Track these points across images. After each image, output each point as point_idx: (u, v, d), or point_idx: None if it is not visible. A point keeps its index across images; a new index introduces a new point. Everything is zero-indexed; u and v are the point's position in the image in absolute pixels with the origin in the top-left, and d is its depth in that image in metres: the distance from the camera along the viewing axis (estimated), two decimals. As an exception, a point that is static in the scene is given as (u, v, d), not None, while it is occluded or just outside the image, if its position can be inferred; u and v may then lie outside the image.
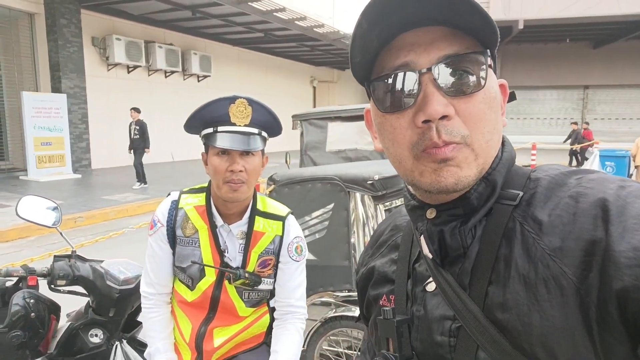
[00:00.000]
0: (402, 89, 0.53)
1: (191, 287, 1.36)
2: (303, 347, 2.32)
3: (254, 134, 1.27)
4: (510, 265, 0.52)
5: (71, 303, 1.70)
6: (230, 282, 1.33)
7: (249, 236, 1.34)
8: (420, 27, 0.52)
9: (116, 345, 1.60)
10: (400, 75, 0.53)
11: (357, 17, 0.52)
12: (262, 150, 1.32)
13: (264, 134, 1.31)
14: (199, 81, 14.14)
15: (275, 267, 1.38)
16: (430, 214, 0.58)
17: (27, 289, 1.48)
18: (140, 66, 12.09)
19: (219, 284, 1.34)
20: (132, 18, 11.67)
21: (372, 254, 0.73)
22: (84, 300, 1.68)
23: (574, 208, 0.50)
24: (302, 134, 3.30)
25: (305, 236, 2.47)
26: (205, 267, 1.32)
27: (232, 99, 1.24)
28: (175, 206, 1.36)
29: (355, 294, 2.30)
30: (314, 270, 2.65)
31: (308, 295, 2.47)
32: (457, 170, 0.52)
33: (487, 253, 0.54)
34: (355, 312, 2.22)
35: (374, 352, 0.69)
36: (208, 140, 1.27)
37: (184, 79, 13.78)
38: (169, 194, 1.41)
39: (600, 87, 17.96)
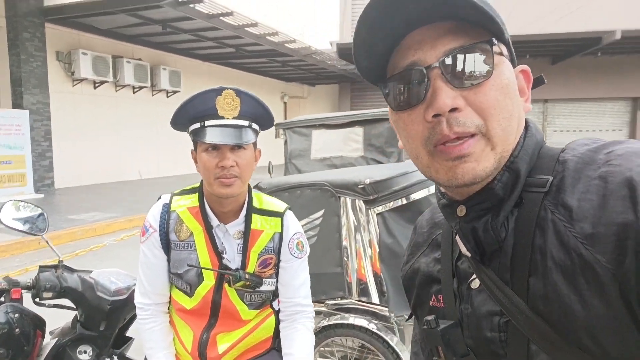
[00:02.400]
0: (412, 86, 0.54)
1: (189, 294, 1.29)
2: None
3: (244, 126, 1.21)
4: (546, 256, 0.51)
5: (54, 320, 1.59)
6: (230, 285, 1.27)
7: (247, 235, 1.28)
8: (426, 25, 0.54)
9: (106, 362, 1.49)
10: (409, 73, 0.54)
11: (355, 26, 0.55)
12: (254, 143, 1.27)
13: (255, 126, 1.26)
14: (168, 96, 13.89)
15: (277, 266, 1.32)
16: (460, 211, 0.58)
17: (10, 302, 1.37)
18: (107, 81, 11.77)
19: (218, 287, 1.27)
20: (100, 32, 11.40)
21: (413, 252, 0.74)
22: (69, 316, 1.57)
23: (604, 189, 0.49)
24: (285, 142, 3.27)
25: (295, 244, 2.43)
26: (203, 270, 1.26)
27: (219, 91, 1.19)
28: (167, 209, 1.30)
29: (347, 302, 2.27)
30: (304, 279, 2.61)
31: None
32: (474, 165, 0.52)
33: (522, 245, 0.54)
34: (349, 319, 2.18)
35: (428, 351, 0.68)
36: (196, 136, 1.21)
37: (153, 95, 13.52)
38: (160, 197, 1.35)
39: (559, 101, 18.78)
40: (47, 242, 1.55)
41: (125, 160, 12.62)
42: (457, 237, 0.61)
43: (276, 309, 1.39)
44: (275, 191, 2.45)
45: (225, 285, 1.27)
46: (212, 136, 1.18)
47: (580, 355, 0.49)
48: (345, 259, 2.31)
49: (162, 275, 1.30)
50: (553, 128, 19.48)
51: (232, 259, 1.28)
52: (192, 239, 1.27)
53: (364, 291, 2.26)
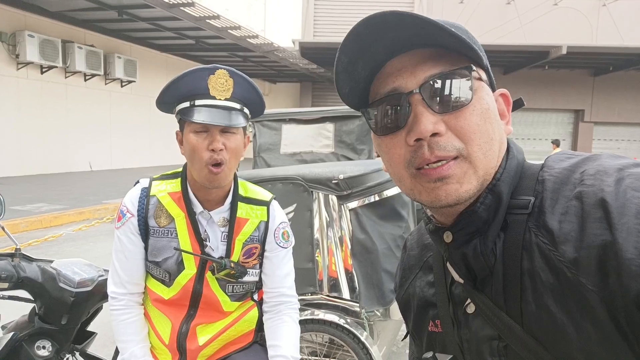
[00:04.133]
0: (394, 112, 0.56)
1: (168, 283, 1.23)
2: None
3: (235, 109, 1.16)
4: (536, 280, 0.52)
5: (5, 313, 1.46)
6: (214, 274, 1.21)
7: (232, 223, 1.24)
8: (406, 52, 0.56)
9: (67, 359, 1.39)
10: (391, 99, 0.56)
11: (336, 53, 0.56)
12: (244, 129, 1.22)
13: (246, 110, 1.21)
14: (122, 86, 13.30)
15: (261, 256, 1.29)
16: (447, 237, 0.59)
17: (-39, 294, 1.24)
18: (56, 67, 11.10)
19: (200, 277, 1.22)
20: (49, 15, 10.72)
21: (405, 275, 0.75)
22: (24, 309, 1.45)
23: (581, 211, 0.50)
24: (254, 135, 3.21)
25: (265, 239, 2.38)
26: (184, 259, 1.20)
27: (212, 70, 1.14)
28: (146, 194, 1.23)
29: (318, 297, 2.25)
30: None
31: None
32: (457, 187, 0.54)
33: (511, 270, 0.54)
34: (319, 315, 2.16)
35: None
36: (184, 116, 1.15)
37: (106, 84, 12.89)
38: (138, 182, 1.28)
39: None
40: (2, 229, 1.42)
41: (74, 150, 11.95)
42: (448, 264, 0.62)
43: (257, 300, 1.35)
44: (246, 184, 2.40)
45: (207, 274, 1.22)
46: (203, 116, 1.12)
47: None
48: (317, 255, 2.29)
49: (139, 263, 1.23)
50: (503, 136, 20.47)
51: (216, 247, 1.23)
52: (174, 225, 1.21)
53: (334, 287, 2.25)
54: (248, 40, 12.64)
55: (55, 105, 11.44)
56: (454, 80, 0.54)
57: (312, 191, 2.30)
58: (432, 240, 0.63)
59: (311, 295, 2.30)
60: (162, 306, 1.25)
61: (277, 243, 1.28)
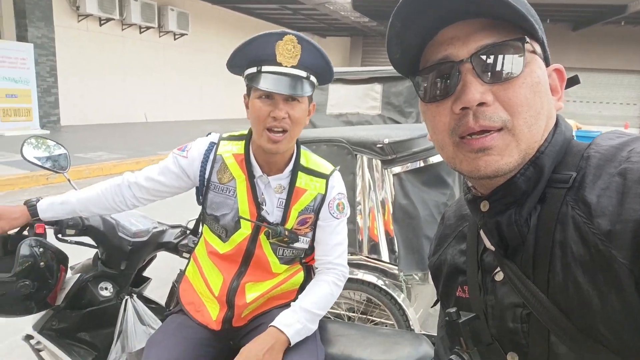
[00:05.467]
0: (443, 79, 0.56)
1: (224, 239, 1.29)
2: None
3: (301, 77, 1.15)
4: (566, 251, 0.53)
5: (73, 256, 1.61)
6: (268, 238, 1.27)
7: (291, 192, 1.26)
8: (460, 21, 0.55)
9: (126, 300, 1.53)
10: (441, 67, 0.56)
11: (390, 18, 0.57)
12: (310, 97, 1.22)
13: (313, 78, 1.19)
14: (175, 39, 13.53)
15: (314, 225, 1.31)
16: (484, 207, 0.60)
17: (35, 236, 1.38)
18: (113, 19, 11.43)
19: (254, 238, 1.27)
20: (106, -34, 10.93)
21: (440, 243, 0.76)
22: (89, 253, 1.60)
23: (622, 186, 0.50)
24: (301, 95, 3.21)
25: (308, 198, 2.44)
26: (241, 219, 1.26)
27: (280, 35, 1.13)
28: (213, 149, 1.29)
29: (357, 258, 2.30)
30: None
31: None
32: (497, 158, 0.54)
33: (543, 241, 0.55)
34: (358, 274, 2.23)
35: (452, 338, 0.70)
36: (250, 81, 1.17)
37: (160, 36, 13.16)
38: (209, 134, 1.34)
39: (576, 70, 18.36)
40: (68, 180, 1.55)
41: (131, 101, 12.46)
42: (482, 232, 0.64)
43: (305, 264, 1.39)
44: (291, 144, 2.43)
45: (261, 236, 1.26)
46: (268, 83, 1.13)
47: (596, 347, 0.51)
48: (358, 217, 2.32)
49: (161, 186, 1.31)
50: (566, 97, 19.12)
51: (271, 212, 1.27)
52: (234, 185, 1.26)
53: (374, 249, 2.28)
54: (299, -8, 12.35)
55: (112, 57, 11.87)
56: (505, 51, 0.53)
57: (356, 154, 2.30)
58: (469, 209, 0.65)
59: (351, 255, 2.36)
60: (216, 259, 1.31)
61: (330, 213, 1.28)
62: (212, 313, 1.30)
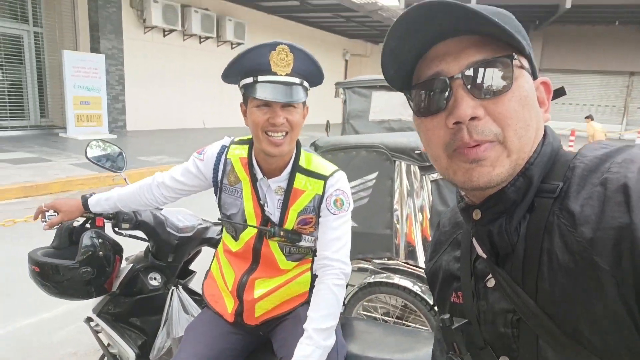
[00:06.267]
0: (436, 94, 0.58)
1: (235, 238, 1.40)
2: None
3: (295, 84, 1.21)
4: (553, 259, 0.55)
5: (128, 248, 1.78)
6: (267, 238, 1.34)
7: (288, 193, 1.32)
8: (451, 38, 0.58)
9: (172, 290, 1.67)
10: (433, 82, 0.58)
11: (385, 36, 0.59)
12: (304, 102, 1.28)
13: (306, 83, 1.26)
14: (232, 48, 14.10)
15: (317, 224, 1.35)
16: (476, 215, 0.62)
17: (95, 229, 1.56)
18: (175, 30, 12.11)
19: (260, 236, 1.35)
20: (170, -19, 11.63)
21: (436, 249, 0.79)
22: (142, 246, 1.76)
23: (603, 195, 0.51)
24: (344, 102, 3.28)
25: (347, 203, 2.50)
26: (247, 219, 1.35)
27: (273, 45, 1.19)
28: (223, 153, 1.39)
29: (394, 262, 2.33)
30: (354, 236, 2.67)
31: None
32: (489, 170, 0.56)
33: (532, 249, 0.57)
34: (394, 279, 2.25)
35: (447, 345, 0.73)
36: (247, 91, 1.23)
37: (218, 46, 13.77)
38: (225, 138, 1.44)
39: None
40: (125, 180, 1.72)
41: (189, 108, 13.13)
42: (474, 240, 0.66)
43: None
44: (331, 150, 2.50)
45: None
46: (265, 92, 1.18)
47: (581, 351, 0.53)
48: (396, 222, 2.35)
49: (181, 185, 1.44)
50: (637, 104, 17.83)
51: (273, 213, 1.34)
52: (240, 187, 1.36)
53: (411, 254, 2.31)
54: (352, 0, 12.46)
55: (174, 66, 12.57)
56: (495, 68, 0.56)
57: (394, 160, 2.34)
58: (462, 217, 0.67)
59: (388, 260, 2.39)
60: (230, 257, 1.43)
61: (327, 209, 1.31)
62: (228, 306, 1.40)
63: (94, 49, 10.36)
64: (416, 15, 0.55)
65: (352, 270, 2.52)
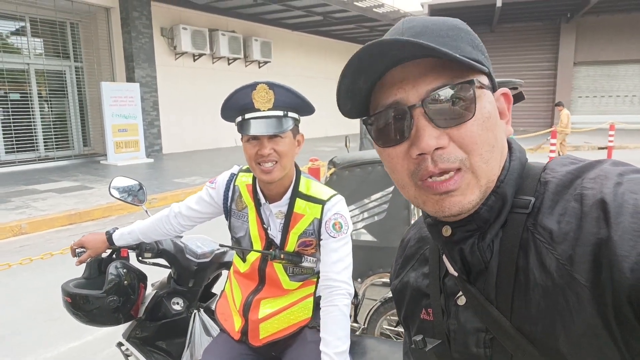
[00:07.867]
0: (396, 124, 0.56)
1: (243, 259, 1.50)
2: (364, 324, 2.40)
3: (279, 116, 1.30)
4: (529, 277, 0.53)
5: (153, 275, 1.89)
6: (269, 260, 1.43)
7: (289, 217, 1.41)
8: (408, 62, 0.55)
9: (195, 314, 1.76)
10: (393, 112, 0.55)
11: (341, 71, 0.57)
12: (294, 130, 1.35)
13: (292, 114, 1.33)
14: (259, 67, 14.45)
15: (318, 246, 1.42)
16: (446, 232, 0.60)
17: (120, 259, 1.68)
18: (204, 54, 12.57)
19: (264, 258, 1.45)
20: (197, 7, 12.12)
21: (403, 265, 0.76)
22: (165, 273, 1.86)
23: (580, 212, 0.50)
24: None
25: (365, 218, 2.52)
26: (253, 242, 1.45)
27: (253, 86, 1.29)
28: (232, 180, 1.50)
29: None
30: (372, 251, 2.70)
31: (367, 276, 2.53)
32: (460, 199, 0.54)
33: (506, 266, 0.56)
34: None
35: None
36: (239, 129, 1.35)
37: (246, 66, 14.15)
38: (234, 167, 1.56)
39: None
40: (146, 212, 1.83)
41: (221, 128, 13.52)
42: (444, 256, 0.64)
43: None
44: (348, 167, 2.55)
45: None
46: (251, 128, 1.29)
47: None
48: (413, 235, 2.36)
49: (196, 213, 1.53)
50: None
51: (275, 236, 1.44)
52: (247, 212, 1.46)
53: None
54: (374, 10, 12.55)
55: (204, 88, 13.02)
56: (456, 94, 0.53)
57: (409, 174, 2.36)
58: (430, 233, 0.64)
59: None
60: (239, 277, 1.52)
61: (327, 232, 1.37)
62: (236, 324, 1.48)
63: (130, 78, 10.91)
64: (368, 52, 0.53)
65: (374, 285, 2.55)
